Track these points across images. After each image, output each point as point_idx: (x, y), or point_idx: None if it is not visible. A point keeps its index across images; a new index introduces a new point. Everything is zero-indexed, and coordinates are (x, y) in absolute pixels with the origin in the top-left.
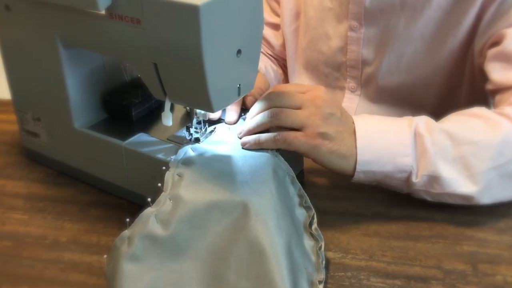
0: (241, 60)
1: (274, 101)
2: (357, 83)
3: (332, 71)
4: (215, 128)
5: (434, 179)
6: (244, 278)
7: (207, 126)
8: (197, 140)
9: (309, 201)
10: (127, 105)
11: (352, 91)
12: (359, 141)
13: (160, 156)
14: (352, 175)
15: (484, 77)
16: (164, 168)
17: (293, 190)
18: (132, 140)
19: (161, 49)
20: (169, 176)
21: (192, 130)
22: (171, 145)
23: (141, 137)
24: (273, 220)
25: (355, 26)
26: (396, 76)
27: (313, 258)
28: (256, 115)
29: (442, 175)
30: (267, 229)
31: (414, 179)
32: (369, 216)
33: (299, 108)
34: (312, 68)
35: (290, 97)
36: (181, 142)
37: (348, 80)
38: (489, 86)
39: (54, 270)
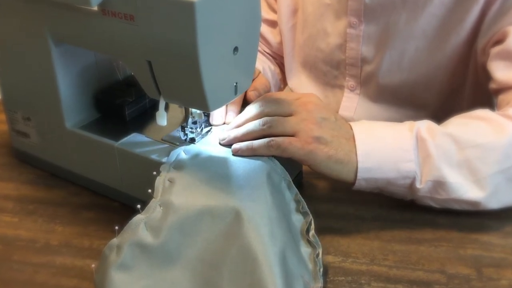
0: (238, 58)
1: (264, 108)
2: (357, 81)
3: (330, 69)
4: (211, 128)
5: (439, 184)
6: (237, 287)
7: (203, 126)
8: (192, 140)
9: (306, 206)
10: (120, 104)
11: (352, 90)
12: (359, 148)
13: (154, 157)
14: (353, 183)
15: (487, 76)
16: (154, 173)
17: (290, 195)
18: (125, 140)
19: (156, 47)
20: (159, 181)
21: (187, 130)
22: (165, 145)
23: (134, 137)
24: (266, 227)
25: (355, 22)
26: (397, 75)
27: (310, 265)
28: (244, 122)
29: (448, 180)
30: (260, 236)
31: (418, 185)
32: (370, 219)
33: (290, 115)
34: (310, 66)
35: (281, 104)
36: (176, 143)
37: (347, 78)
38: (492, 85)
39: (45, 275)
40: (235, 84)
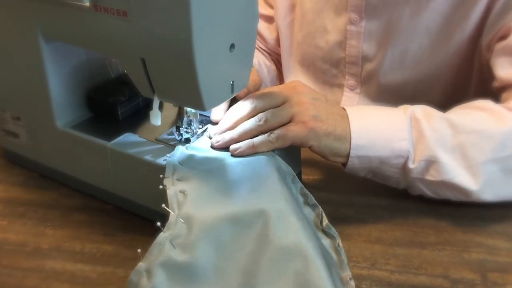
0: (235, 55)
1: (256, 105)
2: (357, 80)
3: (329, 68)
4: (206, 128)
5: (431, 164)
6: None
7: (198, 125)
8: (187, 140)
9: (313, 198)
10: (113, 103)
11: (351, 89)
12: (353, 126)
13: (148, 157)
14: (346, 162)
15: (492, 74)
16: (161, 187)
17: (295, 190)
18: (118, 140)
19: (149, 44)
20: (171, 195)
21: (182, 130)
22: (160, 146)
23: (128, 137)
24: (297, 223)
25: (355, 19)
26: (399, 73)
27: (334, 256)
28: (236, 123)
29: (440, 160)
30: (295, 234)
31: (411, 165)
32: (371, 222)
33: (283, 103)
34: (309, 64)
35: (270, 96)
36: (170, 143)
37: (347, 77)
38: (495, 84)
39: (35, 279)
40: (231, 82)
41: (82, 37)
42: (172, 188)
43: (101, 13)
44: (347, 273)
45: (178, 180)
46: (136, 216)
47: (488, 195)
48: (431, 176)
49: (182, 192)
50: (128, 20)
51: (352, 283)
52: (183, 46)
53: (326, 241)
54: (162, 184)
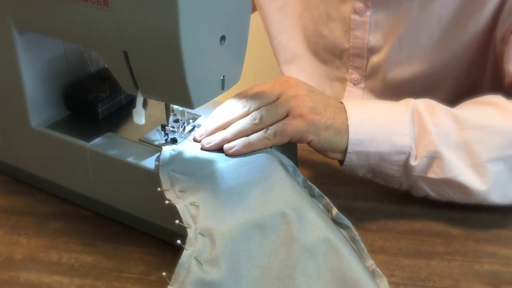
0: (225, 48)
1: (250, 106)
2: (361, 74)
3: (333, 59)
4: (194, 127)
5: (434, 160)
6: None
7: (185, 124)
8: (173, 140)
9: (318, 189)
10: (93, 101)
11: (355, 83)
12: (350, 119)
13: (130, 159)
14: (344, 158)
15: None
16: (167, 202)
17: (300, 182)
18: (98, 141)
19: (132, 35)
20: (182, 209)
21: (168, 129)
22: (144, 147)
23: (109, 137)
24: (316, 219)
25: (361, 8)
26: (407, 67)
27: (354, 246)
28: (227, 123)
29: (443, 157)
30: (318, 231)
31: (413, 162)
32: (374, 230)
33: (277, 99)
34: (311, 52)
35: (264, 95)
36: (155, 144)
37: (350, 71)
38: (507, 79)
39: None
40: (222, 77)
41: (59, 28)
42: (181, 202)
43: (80, 1)
44: (370, 262)
45: (181, 191)
46: (117, 223)
47: (496, 196)
48: (434, 173)
49: (193, 204)
50: (109, 9)
51: (379, 271)
52: (169, 37)
53: (342, 231)
54: (165, 198)
